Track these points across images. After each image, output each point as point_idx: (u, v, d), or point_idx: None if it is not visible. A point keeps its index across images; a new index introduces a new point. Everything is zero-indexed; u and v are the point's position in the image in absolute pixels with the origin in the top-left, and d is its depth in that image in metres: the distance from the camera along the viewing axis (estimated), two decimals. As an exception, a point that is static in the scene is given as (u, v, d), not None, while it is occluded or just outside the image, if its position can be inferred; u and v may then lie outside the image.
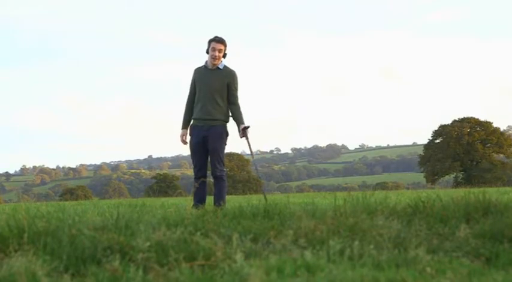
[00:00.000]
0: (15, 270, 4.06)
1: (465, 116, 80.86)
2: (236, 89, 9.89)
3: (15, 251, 4.61)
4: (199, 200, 9.72)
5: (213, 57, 9.80)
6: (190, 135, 9.97)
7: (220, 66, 9.85)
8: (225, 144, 9.92)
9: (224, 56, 9.90)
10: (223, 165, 9.83)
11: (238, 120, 9.87)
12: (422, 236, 5.45)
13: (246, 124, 9.79)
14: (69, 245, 4.78)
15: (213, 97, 9.80)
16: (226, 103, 9.87)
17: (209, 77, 9.88)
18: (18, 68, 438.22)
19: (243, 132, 9.84)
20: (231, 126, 9.94)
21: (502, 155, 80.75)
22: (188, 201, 10.74)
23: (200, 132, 9.81)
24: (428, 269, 4.34)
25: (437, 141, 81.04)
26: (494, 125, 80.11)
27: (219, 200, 9.59)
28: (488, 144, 78.70)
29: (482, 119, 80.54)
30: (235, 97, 9.88)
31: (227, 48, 9.91)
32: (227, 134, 9.89)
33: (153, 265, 4.52)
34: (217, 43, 9.84)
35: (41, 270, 4.17)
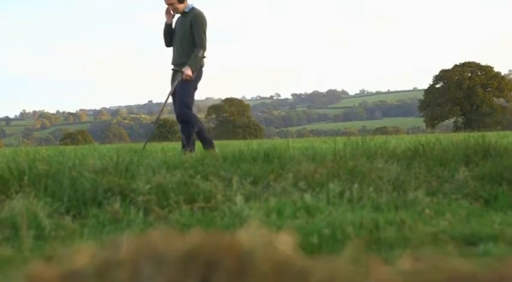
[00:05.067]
0: (16, 211, 4.08)
1: (466, 61, 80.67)
2: (200, 31, 9.72)
3: (16, 193, 4.63)
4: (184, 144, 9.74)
5: (168, 4, 9.80)
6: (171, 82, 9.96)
7: (187, 10, 9.76)
8: (194, 88, 9.80)
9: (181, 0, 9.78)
10: (187, 107, 9.68)
11: (187, 62, 9.71)
12: (422, 178, 5.48)
13: (187, 71, 9.60)
14: (70, 187, 4.80)
15: (180, 43, 9.81)
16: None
17: (177, 24, 9.93)
18: (16, 14, 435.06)
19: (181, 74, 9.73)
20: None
21: (502, 99, 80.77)
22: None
23: (174, 79, 9.80)
24: (427, 211, 4.38)
25: (438, 86, 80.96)
26: (495, 69, 79.99)
27: (184, 144, 9.70)
28: (489, 89, 78.65)
29: (483, 63, 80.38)
30: (199, 39, 9.71)
31: None
32: (196, 78, 9.76)
33: (153, 207, 4.55)
34: None
35: (42, 211, 4.20)
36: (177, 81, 9.67)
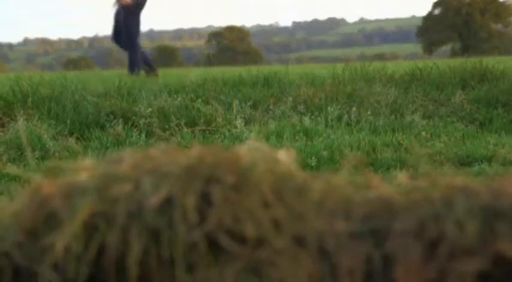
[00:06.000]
0: (21, 133, 4.15)
1: (466, -13, 79.64)
2: None
3: (20, 115, 4.68)
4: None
5: None
6: None
7: None
8: (135, 20, 9.80)
9: None
10: (128, 39, 9.70)
11: None
12: (419, 102, 5.55)
13: None
14: (73, 110, 4.87)
15: None
16: None
17: None
18: None
19: None
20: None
21: (500, 25, 79.89)
22: (187, 71, 10.71)
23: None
24: (423, 133, 4.46)
25: (437, 12, 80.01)
26: (494, -6, 78.94)
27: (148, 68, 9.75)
28: (487, 14, 77.76)
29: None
30: None
31: None
32: (135, 9, 9.71)
33: (155, 130, 4.63)
34: None
35: (46, 133, 4.27)
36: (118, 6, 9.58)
